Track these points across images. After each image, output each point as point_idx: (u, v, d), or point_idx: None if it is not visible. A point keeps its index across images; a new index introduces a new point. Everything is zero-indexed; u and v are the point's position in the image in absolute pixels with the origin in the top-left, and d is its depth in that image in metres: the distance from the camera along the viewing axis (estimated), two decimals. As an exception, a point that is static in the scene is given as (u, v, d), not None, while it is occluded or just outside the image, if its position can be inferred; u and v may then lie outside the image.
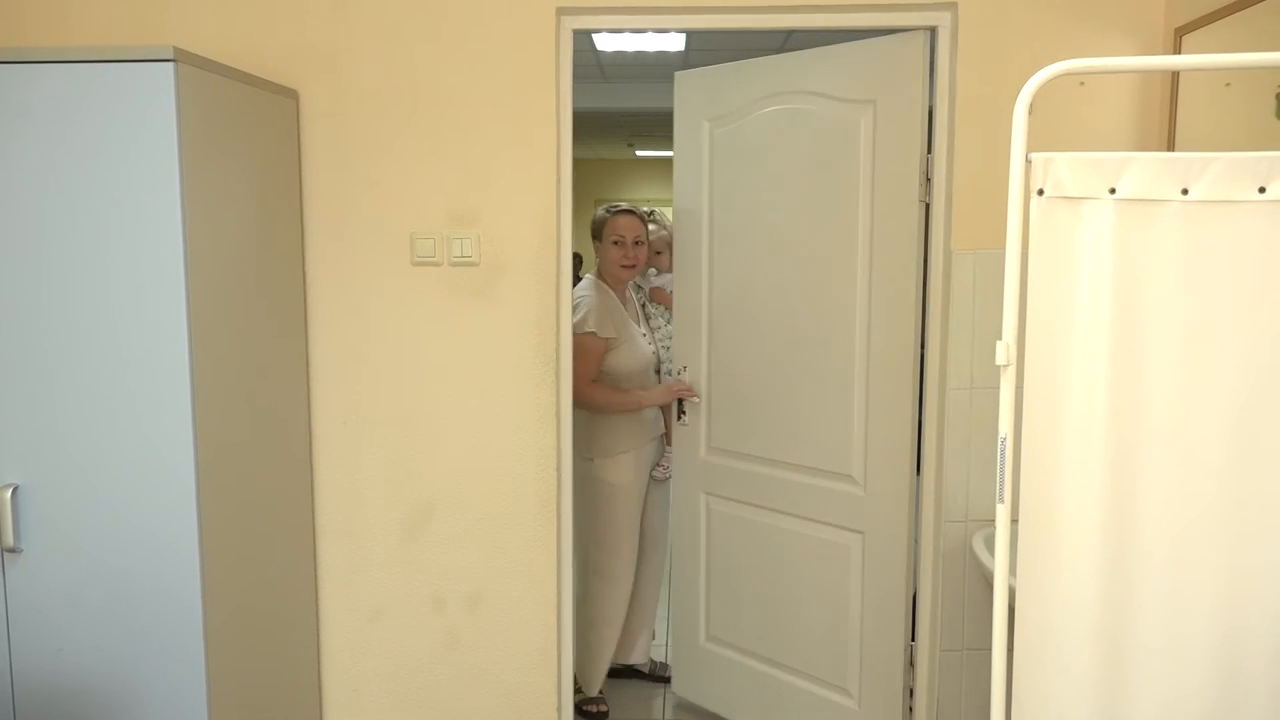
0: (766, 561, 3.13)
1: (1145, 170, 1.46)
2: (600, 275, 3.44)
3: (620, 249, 3.37)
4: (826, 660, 3.01)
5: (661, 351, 3.55)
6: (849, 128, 2.82)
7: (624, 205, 3.49)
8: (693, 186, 3.25)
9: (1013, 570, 1.63)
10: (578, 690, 3.37)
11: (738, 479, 3.18)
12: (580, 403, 3.10)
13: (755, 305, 3.08)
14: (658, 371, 3.51)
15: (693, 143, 3.24)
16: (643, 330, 3.49)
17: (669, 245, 3.63)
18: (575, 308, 3.20)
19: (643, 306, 3.62)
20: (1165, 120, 2.58)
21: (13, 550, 2.14)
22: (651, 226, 3.62)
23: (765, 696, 3.19)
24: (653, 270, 3.61)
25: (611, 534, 3.38)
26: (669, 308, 3.58)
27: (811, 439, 2.98)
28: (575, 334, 3.10)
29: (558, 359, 2.74)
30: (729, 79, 3.12)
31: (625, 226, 3.38)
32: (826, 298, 2.91)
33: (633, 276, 3.47)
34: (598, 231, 3.45)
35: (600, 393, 3.30)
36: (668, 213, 3.74)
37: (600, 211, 3.48)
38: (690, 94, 3.26)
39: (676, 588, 3.41)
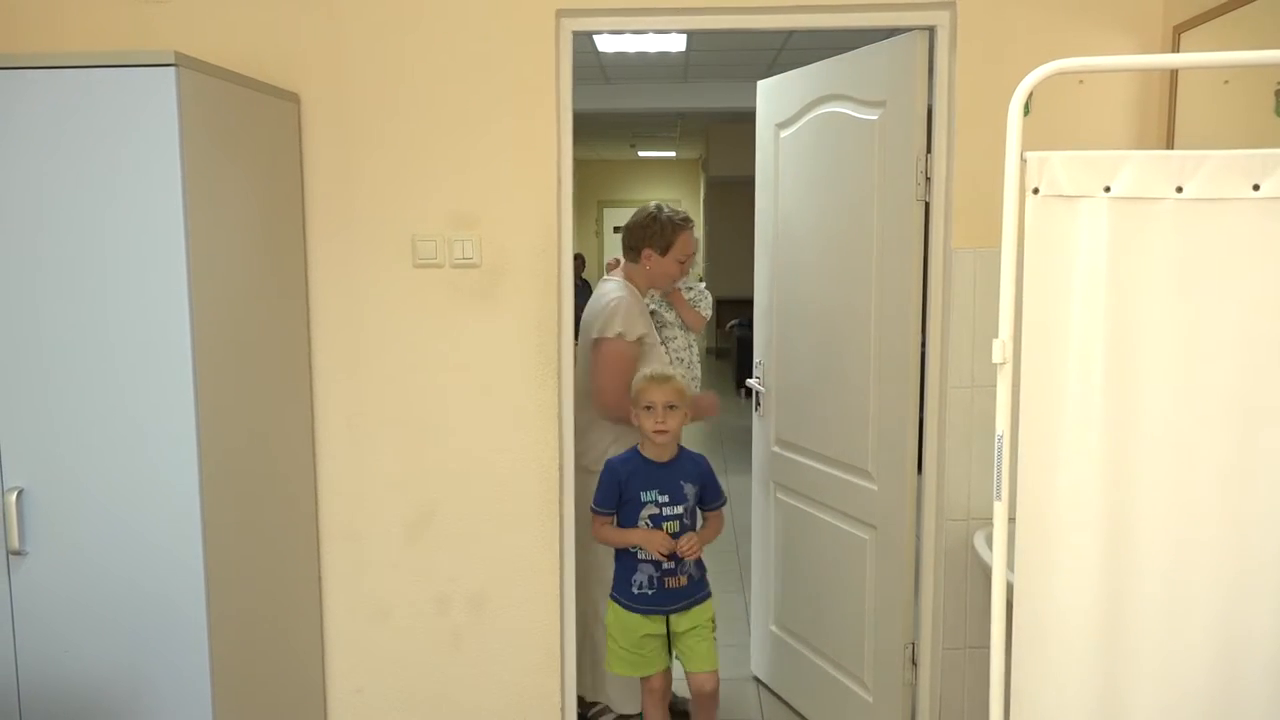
0: (810, 552, 3.24)
1: (1140, 168, 1.46)
2: (630, 278, 3.15)
3: (682, 268, 3.16)
4: (850, 651, 3.08)
5: (673, 359, 3.28)
6: (866, 129, 2.86)
7: (686, 214, 3.20)
8: (765, 188, 3.40)
9: (1011, 568, 1.63)
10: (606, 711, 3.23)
11: (792, 470, 3.31)
12: (618, 416, 2.94)
13: (803, 303, 3.22)
14: None
15: (766, 147, 3.39)
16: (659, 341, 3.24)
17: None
18: (605, 310, 3.01)
19: (652, 313, 3.30)
20: (1164, 119, 2.59)
21: (18, 553, 2.15)
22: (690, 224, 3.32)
23: (813, 683, 3.28)
24: (695, 273, 3.48)
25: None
26: (682, 315, 3.31)
27: (839, 432, 3.06)
28: (602, 338, 2.97)
29: (559, 360, 2.75)
30: (790, 85, 3.25)
31: (691, 244, 3.15)
32: (847, 296, 2.98)
33: (669, 290, 3.27)
34: (664, 242, 3.10)
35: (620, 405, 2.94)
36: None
37: (664, 214, 3.13)
38: (766, 101, 3.40)
39: (755, 574, 3.61)
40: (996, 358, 1.56)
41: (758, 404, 3.46)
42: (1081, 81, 2.59)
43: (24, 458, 2.14)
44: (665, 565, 2.72)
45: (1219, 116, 2.44)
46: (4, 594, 2.17)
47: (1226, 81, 2.37)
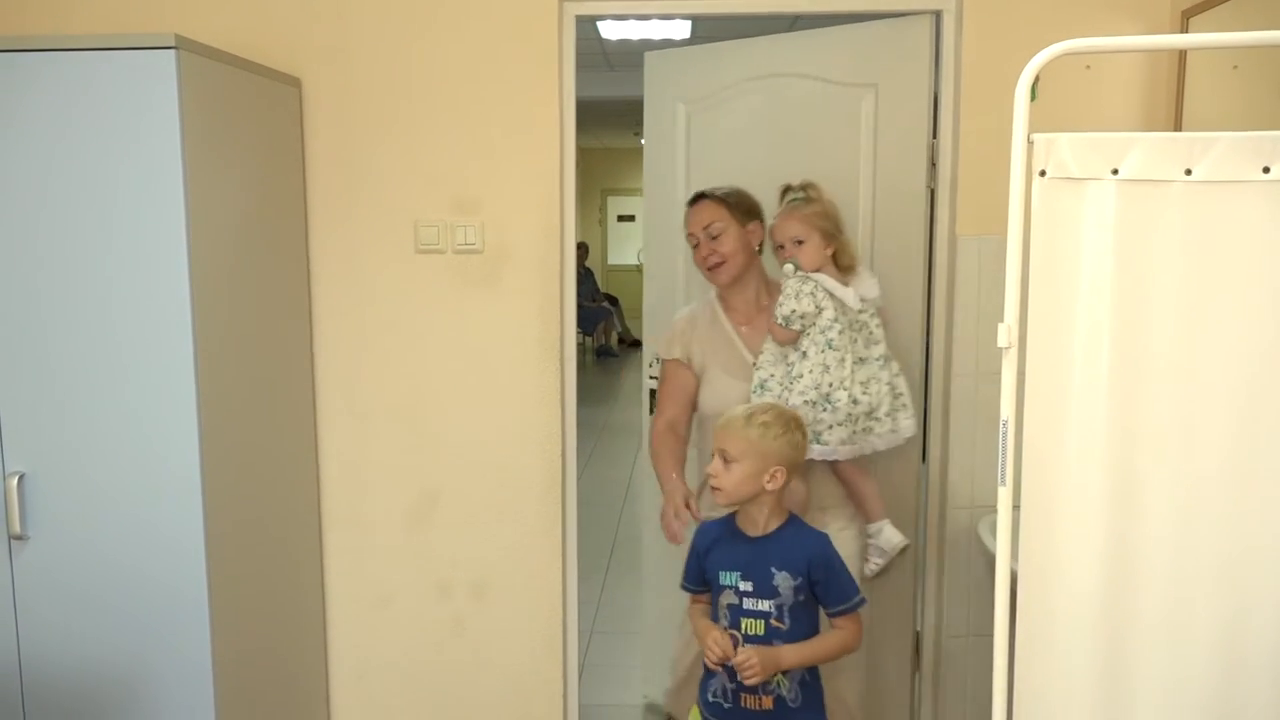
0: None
1: (1148, 150, 1.44)
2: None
3: (697, 251, 2.52)
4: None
5: (775, 388, 2.38)
6: (848, 112, 2.77)
7: (704, 190, 2.57)
8: (666, 173, 3.05)
9: (1016, 554, 1.62)
10: None
11: None
12: (657, 452, 2.51)
13: None
14: None
15: (666, 127, 3.05)
16: (755, 358, 2.46)
17: (821, 227, 2.41)
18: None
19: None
20: (1172, 105, 2.57)
21: (20, 537, 2.15)
22: (793, 199, 2.48)
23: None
24: (789, 266, 2.41)
25: None
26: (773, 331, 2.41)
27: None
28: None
29: (561, 347, 2.74)
30: (709, 60, 2.97)
31: (693, 220, 2.51)
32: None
33: (724, 279, 2.50)
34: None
35: (656, 437, 2.50)
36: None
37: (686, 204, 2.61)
38: (663, 75, 3.07)
39: (658, 593, 3.13)
40: (1002, 342, 1.54)
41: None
42: (1089, 67, 2.57)
43: (25, 442, 2.13)
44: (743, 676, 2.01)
45: (1227, 103, 2.42)
46: (6, 579, 2.17)
47: (1235, 67, 2.35)
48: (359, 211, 2.69)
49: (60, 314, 2.10)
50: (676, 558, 2.41)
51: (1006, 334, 1.54)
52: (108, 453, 2.13)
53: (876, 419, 2.40)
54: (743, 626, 2.06)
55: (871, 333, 2.42)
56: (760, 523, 2.10)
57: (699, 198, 2.56)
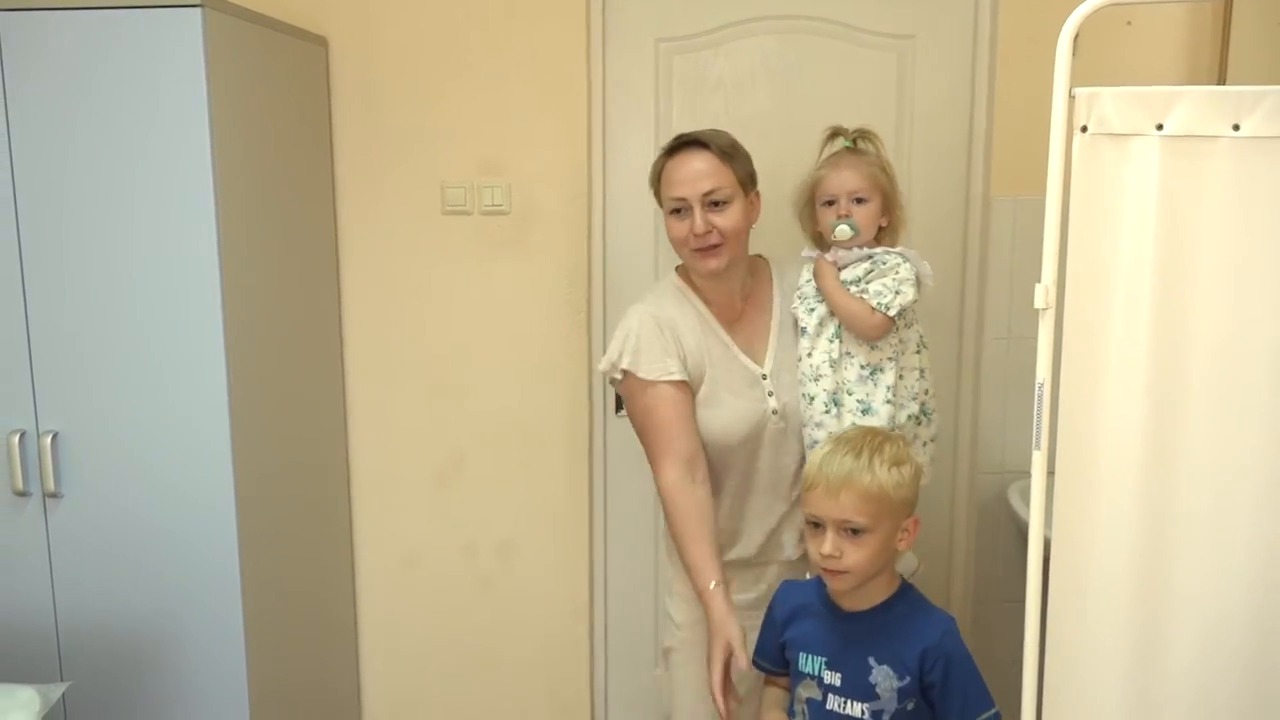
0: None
1: (1195, 105, 1.40)
2: (682, 270, 2.04)
3: (681, 221, 1.88)
4: None
5: (805, 404, 1.89)
6: (879, 65, 2.63)
7: (690, 135, 1.93)
8: (631, 126, 2.67)
9: (1048, 522, 1.60)
10: None
11: None
12: (669, 500, 1.88)
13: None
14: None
15: (631, 69, 2.64)
16: (764, 368, 1.96)
17: (884, 187, 1.93)
18: (618, 334, 1.97)
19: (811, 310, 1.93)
20: (1215, 63, 2.50)
21: (54, 495, 2.17)
22: (844, 145, 1.96)
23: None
24: (843, 228, 1.89)
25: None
26: (836, 310, 1.89)
27: None
28: (614, 382, 2.01)
29: (588, 309, 2.72)
30: None
31: (682, 178, 1.87)
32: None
33: (717, 264, 1.89)
34: (656, 189, 1.99)
35: (671, 503, 1.86)
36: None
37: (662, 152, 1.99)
38: (627, 3, 2.63)
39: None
40: (1039, 303, 1.51)
41: (620, 406, 2.68)
42: (1130, 23, 2.51)
43: (57, 402, 2.15)
44: None
45: (1272, 61, 2.35)
46: (40, 536, 2.19)
47: (1282, 23, 2.29)
48: (386, 172, 2.68)
49: (89, 274, 2.11)
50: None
51: (1044, 295, 1.50)
52: (139, 412, 2.14)
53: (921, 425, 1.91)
54: None
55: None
56: (862, 594, 1.60)
57: (687, 144, 1.92)
